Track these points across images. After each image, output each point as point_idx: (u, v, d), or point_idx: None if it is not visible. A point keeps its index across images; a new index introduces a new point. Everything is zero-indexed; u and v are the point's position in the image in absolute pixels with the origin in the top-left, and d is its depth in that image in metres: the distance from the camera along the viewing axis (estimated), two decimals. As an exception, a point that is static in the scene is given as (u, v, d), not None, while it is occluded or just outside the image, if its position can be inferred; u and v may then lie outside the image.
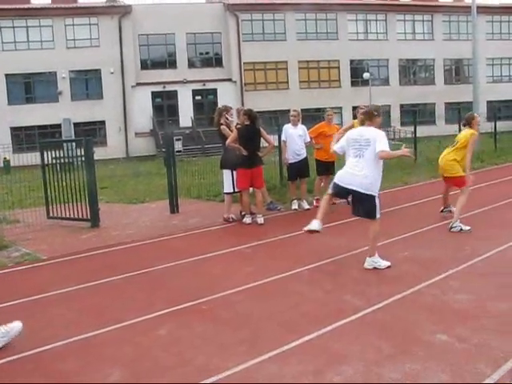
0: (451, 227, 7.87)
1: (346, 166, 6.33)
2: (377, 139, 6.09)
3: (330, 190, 6.51)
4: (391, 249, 7.10)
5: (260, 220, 9.08)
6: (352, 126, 10.43)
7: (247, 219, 9.32)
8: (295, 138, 10.30)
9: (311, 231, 6.35)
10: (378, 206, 6.20)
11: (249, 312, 5.10)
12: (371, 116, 6.34)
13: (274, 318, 4.91)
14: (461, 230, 7.81)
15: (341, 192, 6.44)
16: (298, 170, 10.46)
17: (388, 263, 6.21)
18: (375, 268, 6.15)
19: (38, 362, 4.20)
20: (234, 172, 9.34)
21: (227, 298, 5.50)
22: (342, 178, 6.31)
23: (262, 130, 9.37)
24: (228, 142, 9.16)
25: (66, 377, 3.93)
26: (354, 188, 6.18)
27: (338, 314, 4.83)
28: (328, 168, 10.57)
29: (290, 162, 10.40)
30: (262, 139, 9.36)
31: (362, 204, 6.27)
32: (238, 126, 9.37)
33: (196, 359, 4.09)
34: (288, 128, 10.43)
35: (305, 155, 10.46)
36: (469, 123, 8.30)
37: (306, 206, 10.37)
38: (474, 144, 8.21)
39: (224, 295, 5.55)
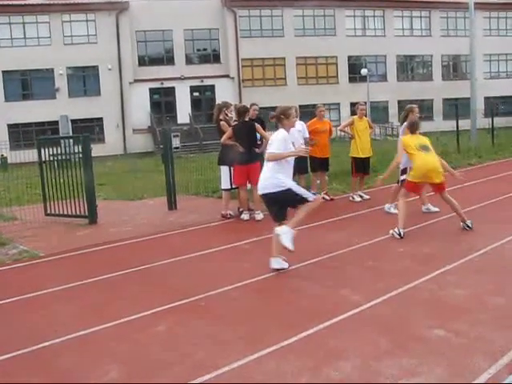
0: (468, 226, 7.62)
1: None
2: (272, 142, 6.10)
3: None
4: (388, 244, 7.13)
5: (258, 216, 9.07)
6: (352, 123, 10.49)
7: (245, 215, 9.31)
8: (294, 134, 10.26)
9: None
10: (300, 190, 6.10)
11: (247, 308, 5.11)
12: (279, 119, 6.26)
13: (272, 314, 4.92)
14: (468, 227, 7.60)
15: (269, 201, 6.24)
16: (297, 166, 10.44)
17: (290, 248, 5.91)
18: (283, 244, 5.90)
19: (36, 359, 4.21)
20: (232, 168, 9.34)
21: (225, 294, 5.51)
22: (259, 186, 6.23)
23: (257, 125, 9.34)
24: (223, 139, 9.19)
25: (65, 373, 3.94)
26: (267, 191, 6.10)
27: (336, 310, 4.84)
28: (322, 164, 10.72)
29: None
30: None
31: (286, 201, 6.12)
32: (235, 123, 9.39)
33: (194, 355, 4.10)
34: None
35: None
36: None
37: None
38: None
39: (222, 291, 5.56)
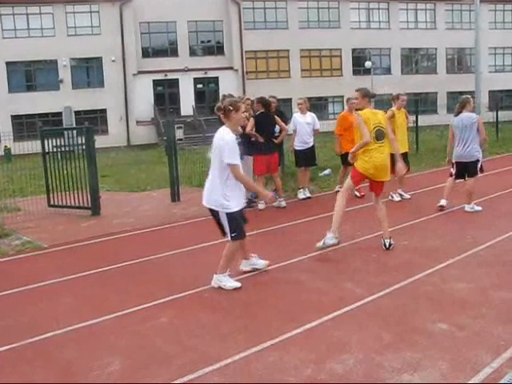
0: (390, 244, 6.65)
1: None
2: (222, 148, 5.23)
3: None
4: (392, 238, 7.10)
5: (283, 203, 9.45)
6: (393, 116, 9.52)
7: (261, 205, 9.42)
8: (304, 126, 10.25)
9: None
10: (229, 225, 5.36)
11: (249, 300, 5.10)
12: (226, 111, 5.36)
13: (274, 306, 4.91)
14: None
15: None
16: (306, 158, 10.43)
17: (237, 285, 5.40)
18: (220, 287, 5.40)
19: (37, 350, 4.21)
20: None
21: (228, 286, 5.50)
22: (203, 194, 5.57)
23: (277, 118, 9.56)
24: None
25: (66, 365, 3.94)
26: (207, 206, 5.48)
27: (339, 303, 4.83)
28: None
29: (297, 148, 10.35)
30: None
31: (218, 222, 5.48)
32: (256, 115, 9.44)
33: (196, 347, 4.09)
34: (297, 116, 10.43)
35: (312, 143, 10.42)
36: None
37: (308, 195, 10.37)
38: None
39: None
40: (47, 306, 5.22)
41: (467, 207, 8.41)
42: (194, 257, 6.74)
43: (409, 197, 10.08)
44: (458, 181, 8.66)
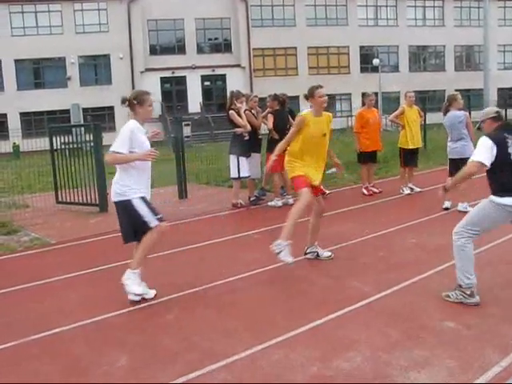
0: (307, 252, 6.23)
1: None
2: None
3: None
4: (399, 235, 7.09)
5: (291, 201, 9.34)
6: (403, 112, 9.95)
7: (278, 202, 9.38)
8: None
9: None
10: (144, 210, 4.94)
11: (255, 298, 5.10)
12: (131, 105, 5.04)
13: (280, 303, 4.91)
14: (318, 255, 6.21)
15: (117, 211, 5.23)
16: None
17: (140, 291, 4.99)
18: (129, 292, 5.00)
19: (45, 346, 4.23)
20: (240, 158, 9.31)
21: (233, 284, 5.50)
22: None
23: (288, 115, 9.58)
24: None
25: (73, 361, 3.95)
26: (113, 199, 5.13)
27: (346, 301, 4.82)
28: (371, 156, 10.33)
29: None
30: None
31: (124, 218, 5.07)
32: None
33: (202, 345, 4.10)
34: None
35: None
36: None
37: (326, 192, 10.34)
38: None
39: (231, 281, 5.56)
40: (55, 301, 5.24)
41: (460, 206, 8.30)
42: (201, 254, 6.74)
43: (420, 190, 10.17)
44: None
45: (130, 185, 4.95)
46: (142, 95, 5.06)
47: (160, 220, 4.96)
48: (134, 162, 4.90)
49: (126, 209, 4.99)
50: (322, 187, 6.65)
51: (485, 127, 4.88)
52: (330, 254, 6.24)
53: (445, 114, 8.56)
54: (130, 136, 4.85)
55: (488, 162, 4.45)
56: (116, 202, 5.06)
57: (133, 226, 5.01)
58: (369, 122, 10.00)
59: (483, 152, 4.49)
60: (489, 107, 5.36)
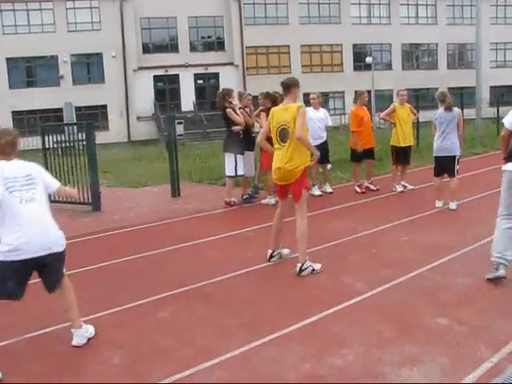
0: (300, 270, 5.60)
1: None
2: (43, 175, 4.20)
3: None
4: (392, 233, 7.11)
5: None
6: (394, 110, 10.02)
7: (271, 200, 9.28)
8: (316, 122, 10.06)
9: None
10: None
11: (249, 295, 5.11)
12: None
13: (274, 301, 4.92)
14: (313, 270, 5.63)
15: None
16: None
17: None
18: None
19: (37, 345, 4.22)
20: (238, 156, 9.29)
21: (227, 281, 5.51)
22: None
23: None
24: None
25: (66, 359, 3.95)
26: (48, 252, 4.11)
27: (339, 298, 4.83)
28: (366, 154, 10.22)
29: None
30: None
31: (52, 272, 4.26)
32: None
33: (196, 342, 4.10)
34: (309, 111, 10.27)
35: (325, 139, 10.20)
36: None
37: (329, 190, 10.32)
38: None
39: (224, 278, 5.56)
40: (46, 300, 5.21)
41: (452, 205, 8.29)
42: (195, 252, 6.73)
43: (412, 187, 10.18)
44: (445, 180, 8.58)
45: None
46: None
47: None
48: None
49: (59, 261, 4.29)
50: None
51: None
52: (288, 251, 6.23)
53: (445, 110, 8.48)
54: None
55: None
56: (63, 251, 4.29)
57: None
58: (363, 120, 10.03)
59: None
60: None
